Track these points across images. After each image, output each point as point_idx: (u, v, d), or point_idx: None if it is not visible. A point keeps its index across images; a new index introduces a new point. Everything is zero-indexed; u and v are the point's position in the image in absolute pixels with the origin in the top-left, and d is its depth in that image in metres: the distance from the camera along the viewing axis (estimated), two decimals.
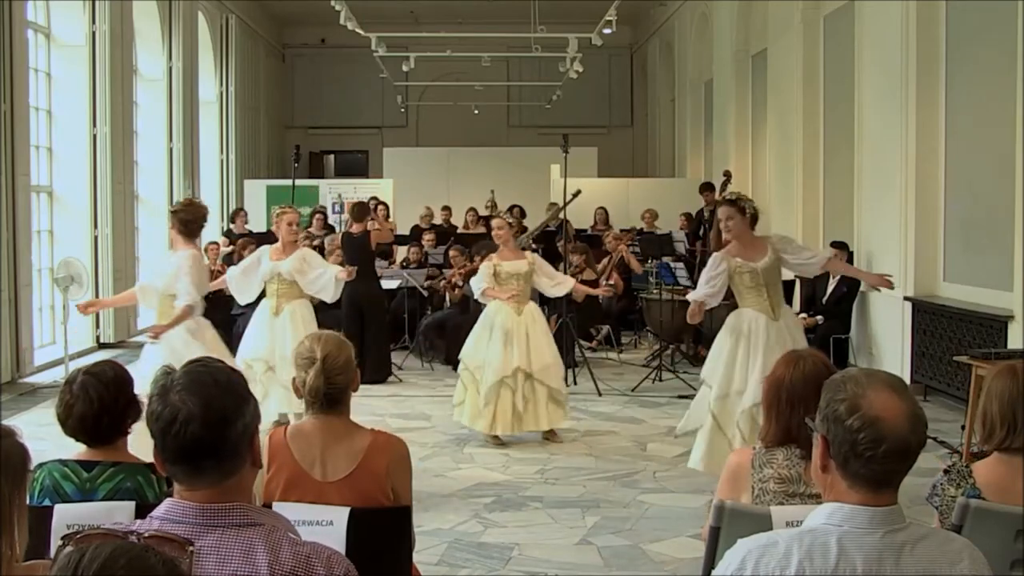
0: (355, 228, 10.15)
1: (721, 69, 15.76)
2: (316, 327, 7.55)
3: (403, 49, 16.08)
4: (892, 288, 6.24)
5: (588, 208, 14.11)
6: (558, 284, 7.70)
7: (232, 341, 11.26)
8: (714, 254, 6.10)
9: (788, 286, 11.51)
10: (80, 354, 10.58)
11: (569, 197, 10.04)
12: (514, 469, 6.90)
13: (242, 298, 7.83)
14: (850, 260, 10.14)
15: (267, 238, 13.02)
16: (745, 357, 5.84)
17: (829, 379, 2.02)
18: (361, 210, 10.36)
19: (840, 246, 10.11)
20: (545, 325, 7.68)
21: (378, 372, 9.95)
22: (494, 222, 7.86)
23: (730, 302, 6.34)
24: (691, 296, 6.21)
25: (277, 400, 7.27)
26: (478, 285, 7.62)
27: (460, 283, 11.20)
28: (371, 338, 9.94)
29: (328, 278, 7.55)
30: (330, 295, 7.66)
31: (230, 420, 1.92)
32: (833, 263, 5.98)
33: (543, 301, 8.95)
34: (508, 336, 7.43)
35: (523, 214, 14.55)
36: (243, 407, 1.96)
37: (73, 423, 3.00)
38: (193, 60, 15.31)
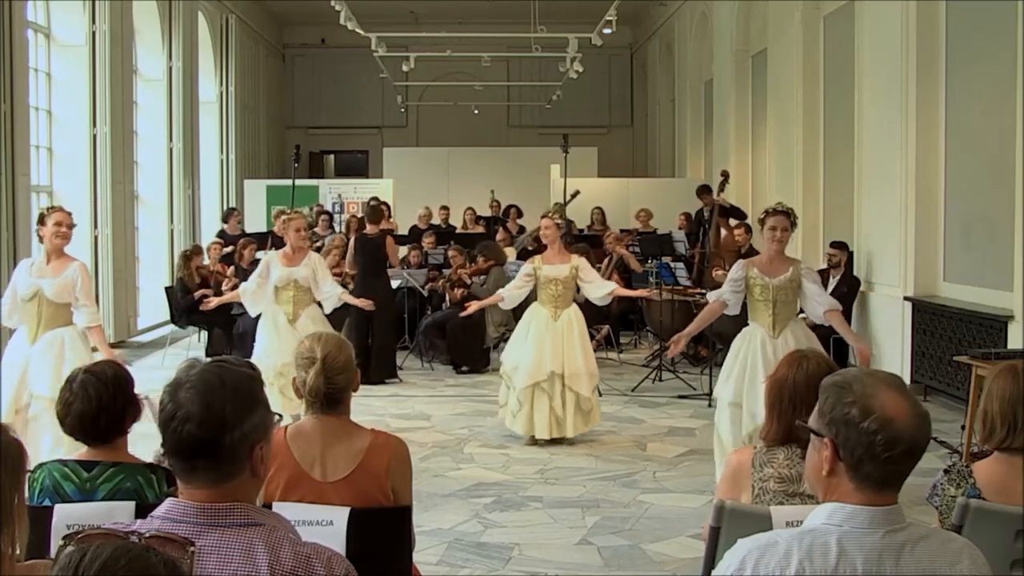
0: (370, 229, 10.16)
1: (721, 69, 15.76)
2: (331, 328, 7.54)
3: (403, 49, 16.09)
4: (867, 361, 6.24)
5: (586, 208, 14.12)
6: (598, 288, 7.59)
7: (232, 341, 11.33)
8: (739, 261, 6.20)
9: None
10: None
11: (568, 197, 10.04)
12: (514, 469, 6.91)
13: (255, 310, 7.56)
14: (850, 260, 10.16)
15: (266, 238, 13.04)
16: (742, 372, 5.90)
17: (828, 382, 2.00)
18: (376, 212, 10.40)
19: (840, 246, 10.11)
20: (583, 331, 7.56)
21: (385, 371, 9.99)
22: (542, 222, 7.70)
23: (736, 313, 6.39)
24: (711, 295, 6.29)
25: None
26: (509, 284, 7.84)
27: (468, 281, 11.17)
28: (379, 338, 10.01)
29: (335, 295, 7.42)
30: (329, 307, 7.58)
31: (228, 425, 1.92)
32: (835, 315, 6.07)
33: None
34: (541, 339, 7.40)
35: (519, 214, 14.58)
36: (245, 415, 1.95)
37: (71, 421, 3.00)
38: (193, 60, 15.30)
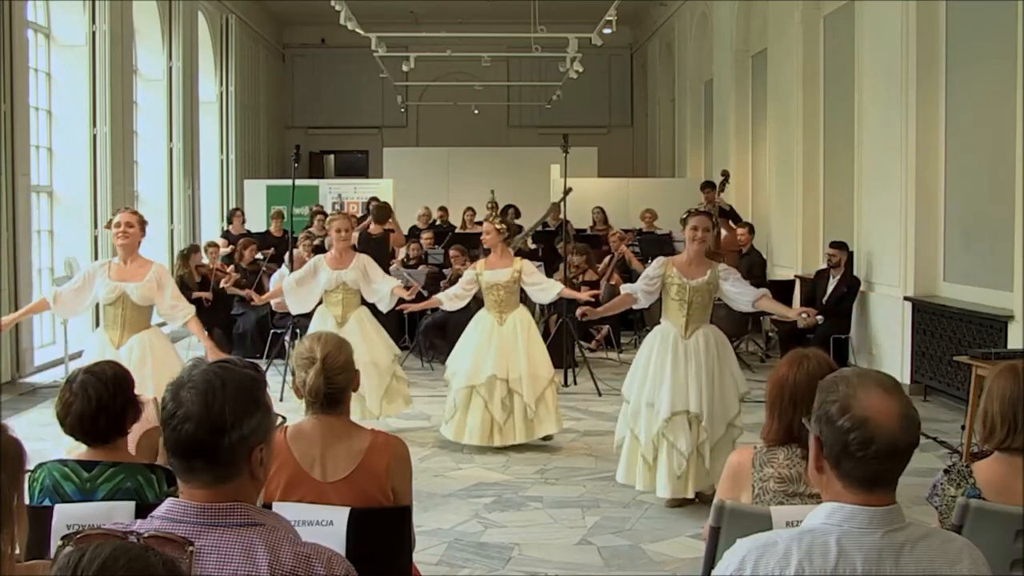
0: (374, 229, 10.16)
1: (721, 69, 15.77)
2: (383, 330, 7.47)
3: (403, 49, 16.09)
4: (814, 319, 6.28)
5: (587, 208, 14.11)
6: (544, 290, 7.50)
7: (232, 341, 11.33)
8: (659, 258, 6.20)
9: (787, 286, 11.54)
10: (80, 354, 10.54)
11: (560, 196, 10.04)
12: (514, 469, 6.90)
13: (298, 309, 7.53)
14: (850, 260, 10.15)
15: (267, 238, 13.05)
16: (656, 371, 5.89)
17: (823, 380, 2.03)
18: (382, 212, 10.39)
19: (840, 246, 10.11)
20: (530, 334, 7.41)
21: None
22: (484, 226, 7.61)
23: (645, 307, 6.50)
24: (624, 287, 6.34)
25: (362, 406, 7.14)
26: (450, 289, 7.69)
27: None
28: None
29: (386, 291, 7.34)
30: (385, 306, 7.46)
31: (226, 427, 1.92)
32: (765, 301, 6.06)
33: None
34: (483, 344, 7.30)
35: (517, 214, 14.57)
36: (245, 418, 1.94)
37: (71, 421, 3.01)
38: (193, 60, 15.31)
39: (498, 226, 7.48)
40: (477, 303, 11.00)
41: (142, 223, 6.17)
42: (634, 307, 6.41)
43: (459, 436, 7.31)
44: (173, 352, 6.26)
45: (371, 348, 7.18)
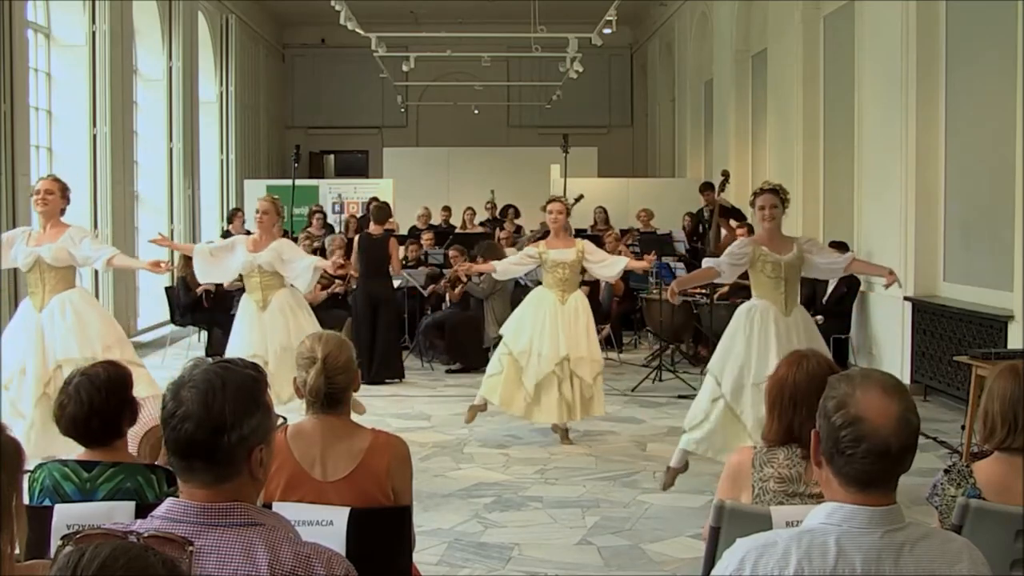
0: (374, 229, 10.15)
1: (721, 69, 15.77)
2: (309, 310, 7.33)
3: (403, 49, 16.10)
4: (898, 283, 6.27)
5: (588, 208, 14.11)
6: (609, 265, 7.54)
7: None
8: (741, 237, 6.16)
9: None
10: None
11: (572, 201, 10.04)
12: (514, 469, 6.90)
13: (202, 276, 7.46)
14: None
15: None
16: (760, 347, 5.80)
17: (831, 377, 2.04)
18: (382, 212, 10.38)
19: (840, 246, 10.09)
20: (589, 317, 7.51)
21: (389, 370, 10.01)
22: (552, 205, 7.53)
23: (730, 301, 6.44)
24: (707, 261, 6.26)
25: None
26: (507, 259, 7.86)
27: (464, 279, 11.14)
28: (383, 338, 10.03)
29: (304, 266, 7.10)
30: (304, 284, 7.22)
31: (226, 427, 1.92)
32: (856, 264, 6.12)
33: None
34: (553, 325, 7.35)
35: (517, 214, 14.59)
36: (245, 419, 1.95)
37: (65, 423, 3.02)
38: (193, 60, 15.30)
39: (569, 205, 7.57)
40: (477, 303, 11.03)
41: (64, 190, 6.25)
42: (716, 281, 6.39)
43: (532, 415, 7.45)
44: (97, 309, 6.32)
45: (298, 331, 6.85)
